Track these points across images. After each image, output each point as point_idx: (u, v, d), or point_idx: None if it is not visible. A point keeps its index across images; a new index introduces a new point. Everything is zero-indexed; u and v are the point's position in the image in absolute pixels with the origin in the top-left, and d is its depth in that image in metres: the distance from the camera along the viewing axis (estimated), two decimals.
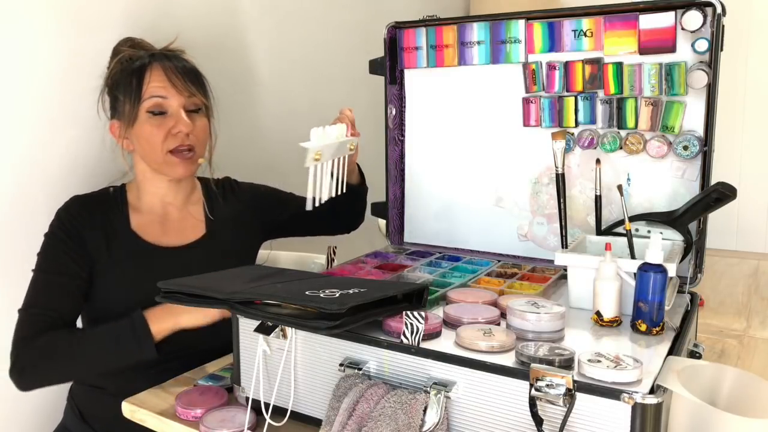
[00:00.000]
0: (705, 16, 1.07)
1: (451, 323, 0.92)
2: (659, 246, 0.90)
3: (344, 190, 1.23)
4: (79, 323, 1.26)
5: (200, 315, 1.14)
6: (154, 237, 1.28)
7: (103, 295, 1.22)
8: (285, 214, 1.47)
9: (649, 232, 1.12)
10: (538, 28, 1.22)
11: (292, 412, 0.92)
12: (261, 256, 1.53)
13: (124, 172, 1.33)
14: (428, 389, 0.80)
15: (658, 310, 0.89)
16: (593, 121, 1.21)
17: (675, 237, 1.10)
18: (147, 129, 1.22)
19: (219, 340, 1.18)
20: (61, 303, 1.17)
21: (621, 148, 1.18)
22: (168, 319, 1.14)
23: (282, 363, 0.94)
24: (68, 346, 1.13)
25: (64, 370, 1.16)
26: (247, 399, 0.96)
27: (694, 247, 1.10)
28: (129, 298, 1.19)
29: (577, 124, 1.22)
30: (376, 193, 1.48)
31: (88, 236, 1.21)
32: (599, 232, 1.17)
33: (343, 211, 1.48)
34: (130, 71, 1.23)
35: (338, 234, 1.58)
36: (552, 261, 1.07)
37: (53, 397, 1.34)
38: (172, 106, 1.23)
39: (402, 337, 0.85)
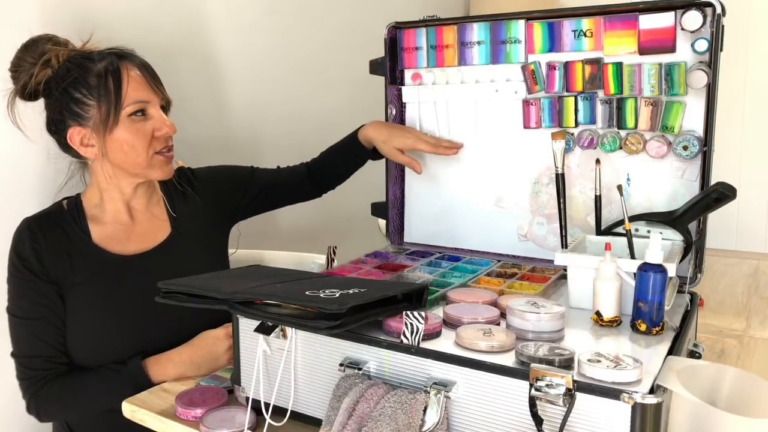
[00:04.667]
0: (705, 17, 1.07)
1: (451, 323, 0.92)
2: (659, 246, 0.90)
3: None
4: None
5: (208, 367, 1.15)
6: (120, 246, 1.23)
7: (79, 317, 1.17)
8: (248, 196, 1.44)
9: (649, 232, 1.12)
10: (538, 28, 1.22)
11: (292, 412, 0.92)
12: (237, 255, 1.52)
13: (67, 179, 1.27)
14: (428, 389, 0.80)
15: (658, 310, 0.89)
16: (593, 121, 1.21)
17: (675, 237, 1.10)
18: (130, 133, 1.16)
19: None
20: (51, 347, 1.15)
21: (621, 148, 1.19)
22: (170, 371, 1.15)
23: (282, 363, 0.94)
24: (73, 395, 1.15)
25: (75, 412, 1.19)
26: (247, 399, 0.96)
27: (693, 247, 1.11)
28: (105, 314, 1.18)
29: (577, 124, 1.22)
30: (376, 193, 1.48)
31: (49, 261, 1.16)
32: (599, 232, 1.17)
33: (328, 175, 1.50)
34: (100, 73, 1.15)
35: (307, 201, 1.56)
36: (552, 261, 1.07)
37: None
38: (152, 108, 1.19)
39: (402, 337, 0.85)
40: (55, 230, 1.19)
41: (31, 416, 1.18)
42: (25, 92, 1.18)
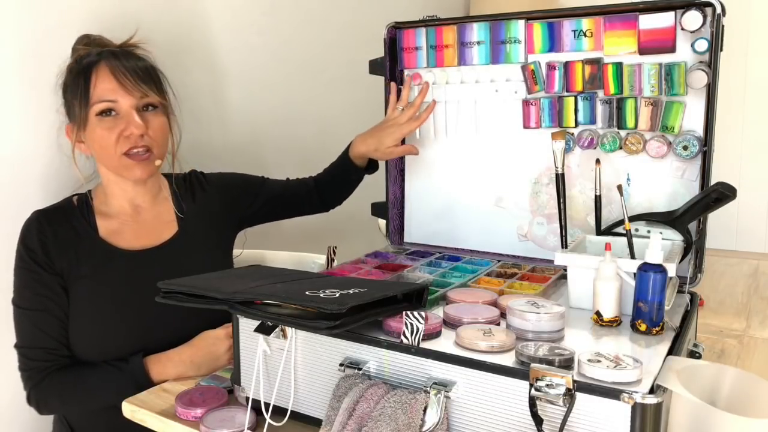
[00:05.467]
0: (705, 17, 1.07)
1: (451, 323, 0.92)
2: (659, 246, 0.90)
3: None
4: None
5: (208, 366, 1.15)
6: (126, 242, 1.25)
7: (82, 310, 1.19)
8: (256, 204, 1.45)
9: (649, 232, 1.12)
10: (538, 28, 1.22)
11: (292, 412, 0.93)
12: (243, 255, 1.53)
13: (87, 177, 1.28)
14: (428, 389, 0.80)
15: (658, 310, 0.89)
16: (593, 121, 1.21)
17: (675, 237, 1.10)
18: (98, 132, 1.18)
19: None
20: (53, 339, 1.16)
21: (621, 148, 1.19)
22: (170, 370, 1.15)
23: (282, 363, 0.94)
24: (74, 389, 1.15)
25: (74, 406, 1.19)
26: (247, 399, 0.96)
27: (693, 247, 1.10)
28: (108, 308, 1.19)
29: (576, 124, 1.22)
30: (376, 193, 1.48)
31: (55, 254, 1.18)
32: (599, 232, 1.17)
33: (331, 192, 1.50)
34: (77, 72, 1.19)
35: (315, 214, 1.56)
36: (552, 261, 1.07)
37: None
38: (123, 107, 1.18)
39: (402, 337, 0.85)
40: (64, 224, 1.21)
41: (32, 417, 1.18)
42: (61, 89, 1.24)
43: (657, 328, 0.89)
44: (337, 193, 1.53)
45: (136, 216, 1.28)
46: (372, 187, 1.51)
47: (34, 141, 1.33)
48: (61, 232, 1.20)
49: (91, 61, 1.19)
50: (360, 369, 0.87)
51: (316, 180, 1.52)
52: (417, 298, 0.93)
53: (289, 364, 0.94)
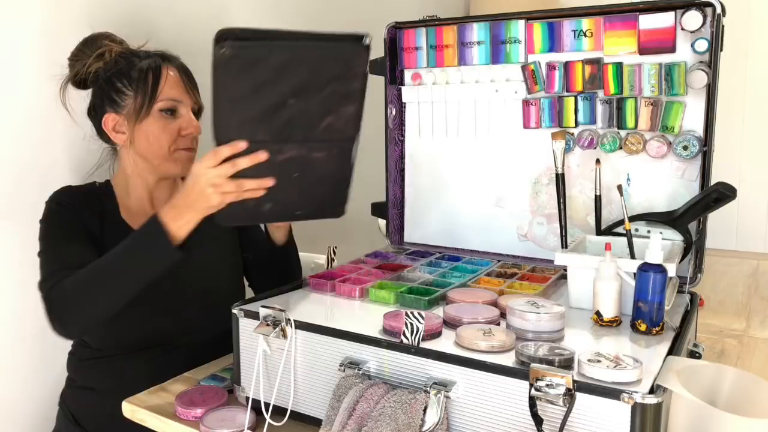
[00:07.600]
0: (705, 17, 1.07)
1: (451, 323, 0.92)
2: (659, 246, 0.90)
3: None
4: None
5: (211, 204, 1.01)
6: None
7: None
8: (240, 235, 1.41)
9: (649, 232, 1.12)
10: (538, 28, 1.22)
11: (292, 412, 0.93)
12: None
13: (98, 165, 1.33)
14: (428, 389, 0.80)
15: (658, 310, 0.89)
16: (593, 121, 1.21)
17: (675, 237, 1.10)
18: (158, 126, 1.23)
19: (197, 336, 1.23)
20: (81, 259, 1.12)
21: (621, 148, 1.19)
22: (185, 213, 1.05)
23: (282, 363, 0.94)
24: (88, 272, 1.09)
25: (94, 297, 1.10)
26: (247, 399, 0.96)
27: (693, 247, 1.11)
28: None
29: (577, 124, 1.22)
30: (376, 193, 1.48)
31: (86, 217, 1.22)
32: (599, 232, 1.17)
33: (269, 274, 1.42)
34: (142, 68, 1.23)
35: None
36: (552, 261, 1.07)
37: (45, 404, 1.33)
38: (184, 108, 1.26)
39: (402, 337, 0.85)
40: (91, 201, 1.25)
41: (34, 416, 1.15)
42: (76, 79, 1.27)
43: (657, 328, 0.90)
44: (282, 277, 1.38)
45: (153, 208, 1.31)
46: (372, 187, 1.51)
47: (50, 130, 1.36)
48: (89, 203, 1.24)
49: (158, 62, 1.24)
50: (360, 369, 0.87)
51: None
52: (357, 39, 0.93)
53: (289, 364, 0.94)
